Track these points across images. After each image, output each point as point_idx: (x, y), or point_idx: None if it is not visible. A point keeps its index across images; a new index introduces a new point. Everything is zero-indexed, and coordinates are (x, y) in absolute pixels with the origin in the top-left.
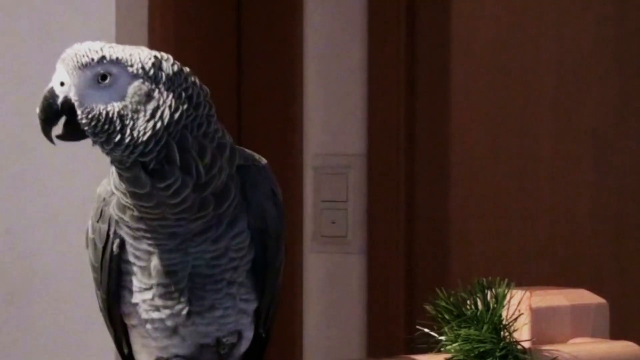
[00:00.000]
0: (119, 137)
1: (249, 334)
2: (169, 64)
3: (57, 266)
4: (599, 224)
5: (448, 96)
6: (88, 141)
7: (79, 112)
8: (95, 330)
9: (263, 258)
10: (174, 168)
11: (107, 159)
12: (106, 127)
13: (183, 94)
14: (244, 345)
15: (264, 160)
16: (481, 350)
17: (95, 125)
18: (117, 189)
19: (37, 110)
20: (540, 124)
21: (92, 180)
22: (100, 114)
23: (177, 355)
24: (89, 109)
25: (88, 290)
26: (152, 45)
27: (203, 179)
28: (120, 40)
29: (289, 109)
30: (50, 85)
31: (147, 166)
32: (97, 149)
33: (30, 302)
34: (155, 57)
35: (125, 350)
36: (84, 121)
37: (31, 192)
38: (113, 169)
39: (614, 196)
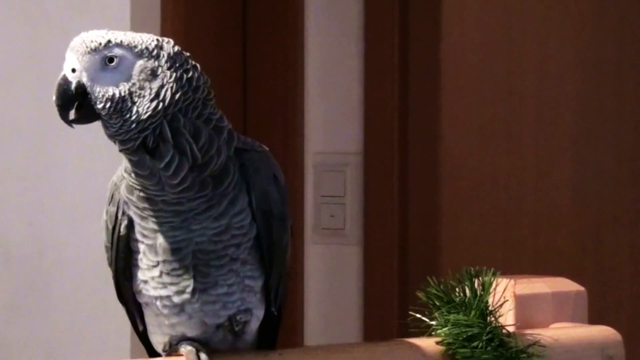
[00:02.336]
0: (128, 114)
1: (259, 312)
2: (170, 45)
3: (76, 258)
4: (579, 219)
5: (439, 98)
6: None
7: (92, 95)
8: (113, 319)
9: (269, 237)
10: (168, 146)
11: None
12: (119, 106)
13: (184, 76)
14: (255, 323)
15: (265, 148)
16: (469, 334)
17: (110, 107)
18: (125, 171)
19: (53, 97)
20: (525, 124)
21: (110, 176)
22: (113, 94)
23: (186, 338)
24: (102, 92)
25: (106, 280)
26: None
27: (200, 160)
28: None
29: (291, 111)
30: (62, 73)
31: (147, 145)
32: (115, 147)
33: (51, 292)
34: (157, 39)
35: (140, 327)
36: (98, 103)
37: (52, 188)
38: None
39: (592, 193)
